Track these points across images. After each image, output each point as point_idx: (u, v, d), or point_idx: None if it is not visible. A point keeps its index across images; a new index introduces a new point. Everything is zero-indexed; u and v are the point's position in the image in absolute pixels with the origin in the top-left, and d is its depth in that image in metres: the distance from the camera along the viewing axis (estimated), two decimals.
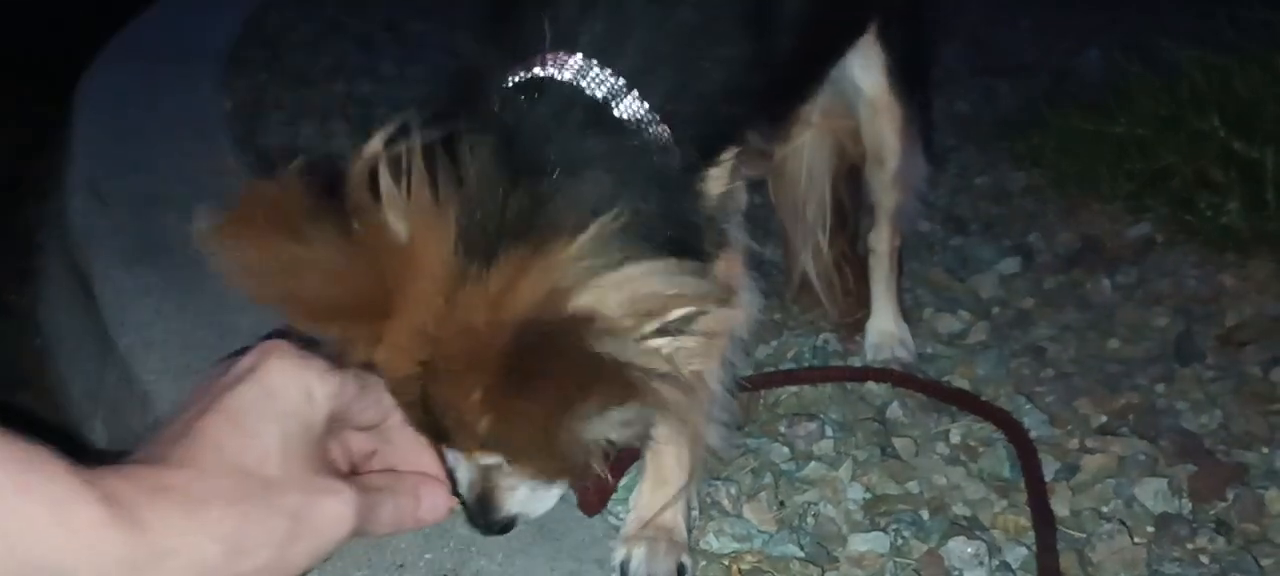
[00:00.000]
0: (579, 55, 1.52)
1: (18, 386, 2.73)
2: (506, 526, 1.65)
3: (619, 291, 1.37)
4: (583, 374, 1.31)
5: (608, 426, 1.40)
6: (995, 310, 2.54)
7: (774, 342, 2.40)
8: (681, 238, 1.51)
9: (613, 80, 1.51)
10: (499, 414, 1.39)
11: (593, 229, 1.37)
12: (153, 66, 3.95)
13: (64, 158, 3.30)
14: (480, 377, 1.37)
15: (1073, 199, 2.98)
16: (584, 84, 1.51)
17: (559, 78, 1.51)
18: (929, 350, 2.38)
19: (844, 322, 2.42)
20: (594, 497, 1.83)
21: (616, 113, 1.51)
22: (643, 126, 1.52)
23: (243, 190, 1.42)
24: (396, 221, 1.38)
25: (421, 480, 1.52)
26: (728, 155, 1.69)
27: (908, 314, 2.45)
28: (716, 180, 1.69)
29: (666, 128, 1.54)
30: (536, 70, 1.53)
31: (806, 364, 2.34)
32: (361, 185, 1.39)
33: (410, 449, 1.53)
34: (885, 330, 2.37)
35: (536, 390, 1.32)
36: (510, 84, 1.54)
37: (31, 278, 3.13)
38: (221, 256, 1.39)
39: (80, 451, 2.42)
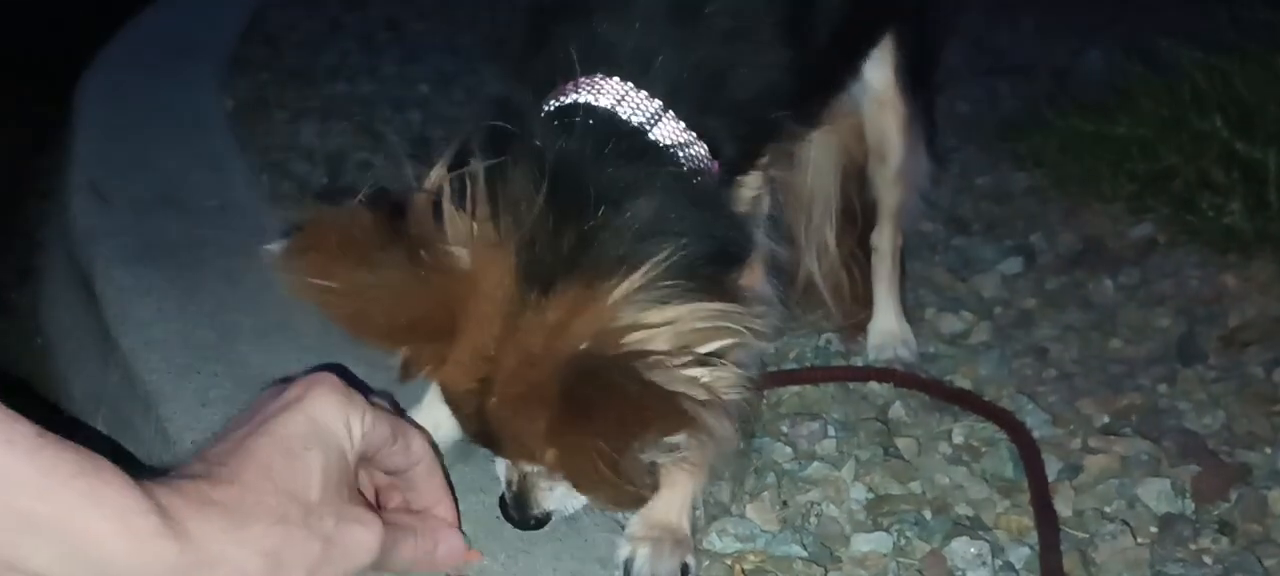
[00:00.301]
0: (615, 79, 1.55)
1: (18, 386, 2.72)
2: (541, 522, 1.69)
3: (668, 327, 1.43)
4: (639, 407, 1.37)
5: (659, 452, 1.48)
6: (997, 310, 2.54)
7: (776, 342, 2.40)
8: (721, 251, 1.54)
9: (649, 104, 1.54)
10: (562, 445, 1.46)
11: (643, 270, 1.42)
12: (154, 65, 3.95)
13: (65, 157, 3.30)
14: (541, 408, 1.44)
15: (1074, 199, 2.98)
16: (621, 110, 1.54)
17: (595, 104, 1.54)
18: (931, 350, 2.38)
19: (847, 323, 2.42)
20: None
21: (653, 137, 1.54)
22: (680, 149, 1.55)
23: (313, 217, 1.51)
24: (460, 250, 1.46)
25: (441, 525, 1.60)
26: (763, 159, 1.70)
27: (909, 314, 2.45)
28: (751, 185, 1.70)
29: (703, 146, 1.57)
30: (573, 96, 1.56)
31: (808, 363, 2.34)
32: (427, 214, 1.47)
33: (431, 494, 1.61)
34: (887, 330, 2.37)
35: (596, 424, 1.38)
36: (548, 110, 1.57)
37: (33, 277, 3.13)
38: (293, 278, 1.46)
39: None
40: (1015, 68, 3.93)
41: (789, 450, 2.02)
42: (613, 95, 1.54)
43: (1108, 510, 1.88)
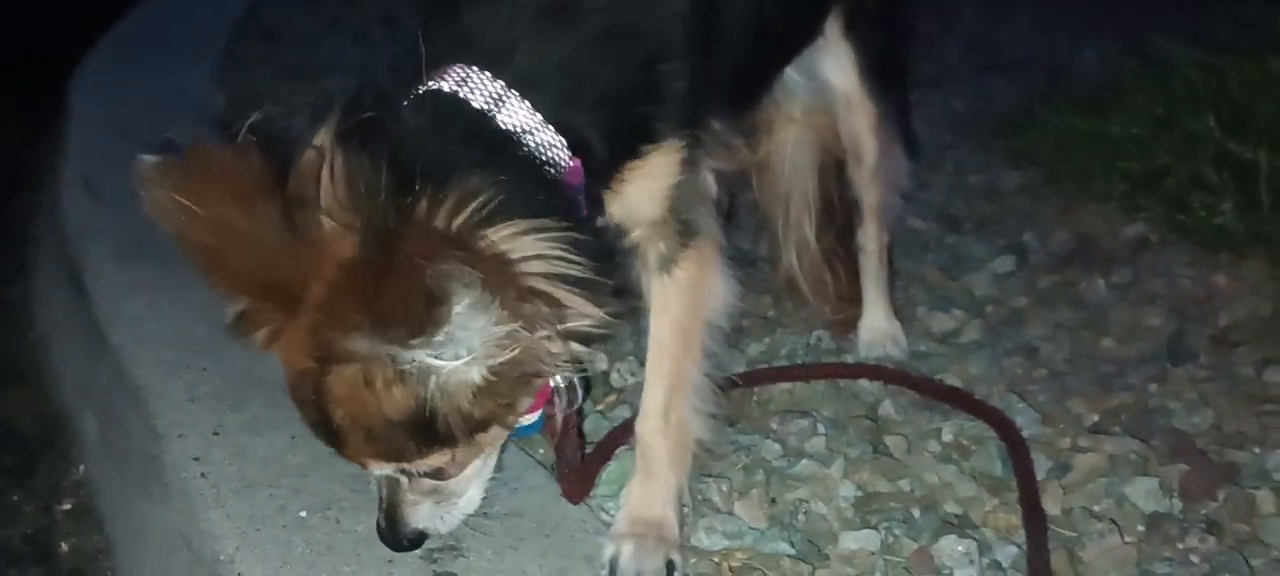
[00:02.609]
0: (466, 65, 1.57)
1: (10, 380, 2.73)
2: (416, 541, 1.70)
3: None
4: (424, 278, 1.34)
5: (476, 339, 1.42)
6: (989, 309, 2.53)
7: (767, 339, 2.40)
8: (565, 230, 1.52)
9: (491, 86, 1.56)
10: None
11: (466, 204, 1.43)
12: (148, 61, 3.95)
13: (58, 151, 3.30)
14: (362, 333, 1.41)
15: (1067, 198, 2.97)
16: (462, 93, 1.56)
17: (442, 89, 1.56)
18: (922, 348, 2.38)
19: (836, 320, 2.42)
20: (577, 485, 1.85)
21: (500, 121, 1.55)
22: (527, 134, 1.57)
23: (200, 148, 1.48)
24: (325, 219, 1.45)
25: None
26: (655, 150, 1.69)
27: (901, 311, 2.44)
28: (644, 172, 1.70)
29: (559, 138, 1.58)
30: (430, 84, 1.58)
31: (799, 361, 2.33)
32: (309, 176, 1.46)
33: None
34: (878, 327, 2.37)
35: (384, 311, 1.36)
36: (410, 99, 1.58)
37: (25, 271, 3.13)
38: (158, 196, 1.46)
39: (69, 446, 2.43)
40: (1011, 64, 3.91)
41: (778, 447, 2.02)
42: (455, 79, 1.56)
43: (1096, 509, 1.88)
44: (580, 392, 1.79)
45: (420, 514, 1.67)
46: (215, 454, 1.91)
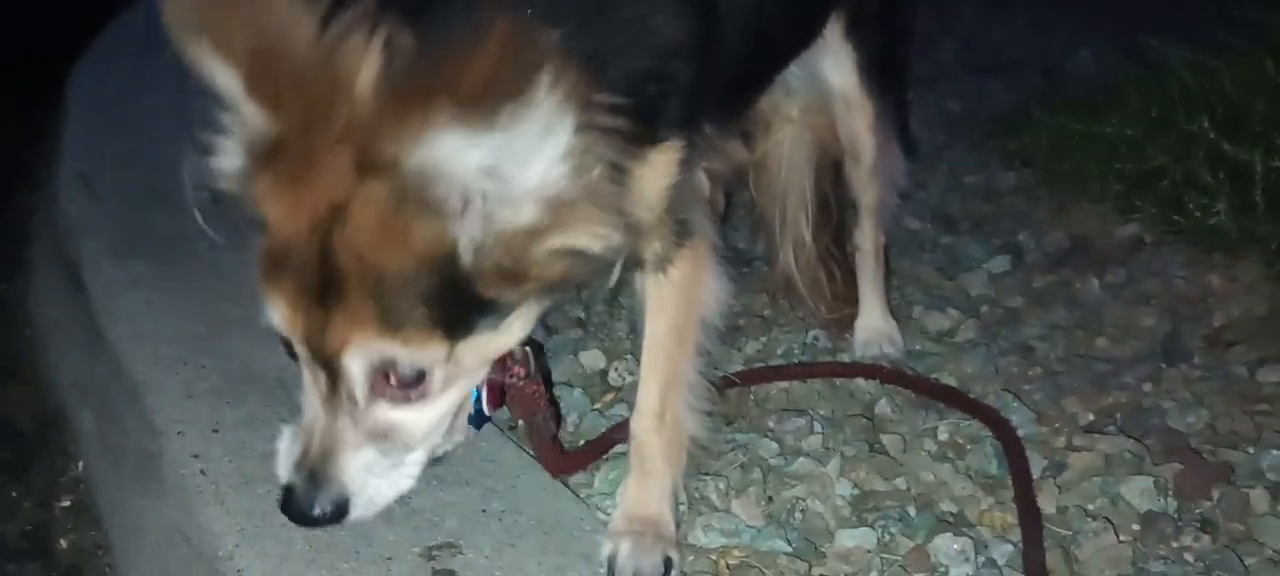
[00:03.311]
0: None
1: (8, 377, 2.73)
2: (335, 512, 1.55)
3: None
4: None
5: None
6: (984, 308, 2.54)
7: (763, 338, 2.41)
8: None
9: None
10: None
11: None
12: (144, 59, 3.94)
13: (55, 150, 3.30)
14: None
15: (1063, 198, 2.98)
16: None
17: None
18: (918, 347, 2.39)
19: (832, 319, 2.42)
20: (557, 459, 1.86)
21: None
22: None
23: None
24: (357, 57, 1.35)
25: None
26: (656, 148, 1.67)
27: (897, 311, 2.45)
28: (654, 167, 1.67)
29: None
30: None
31: (796, 360, 2.34)
32: (358, 21, 1.37)
33: None
34: (873, 326, 2.38)
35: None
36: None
37: (22, 268, 3.13)
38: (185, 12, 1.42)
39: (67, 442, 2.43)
40: (1007, 64, 3.93)
41: (775, 446, 2.03)
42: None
43: (1090, 508, 1.89)
44: (532, 359, 1.78)
45: (356, 463, 1.52)
46: (214, 450, 1.92)
